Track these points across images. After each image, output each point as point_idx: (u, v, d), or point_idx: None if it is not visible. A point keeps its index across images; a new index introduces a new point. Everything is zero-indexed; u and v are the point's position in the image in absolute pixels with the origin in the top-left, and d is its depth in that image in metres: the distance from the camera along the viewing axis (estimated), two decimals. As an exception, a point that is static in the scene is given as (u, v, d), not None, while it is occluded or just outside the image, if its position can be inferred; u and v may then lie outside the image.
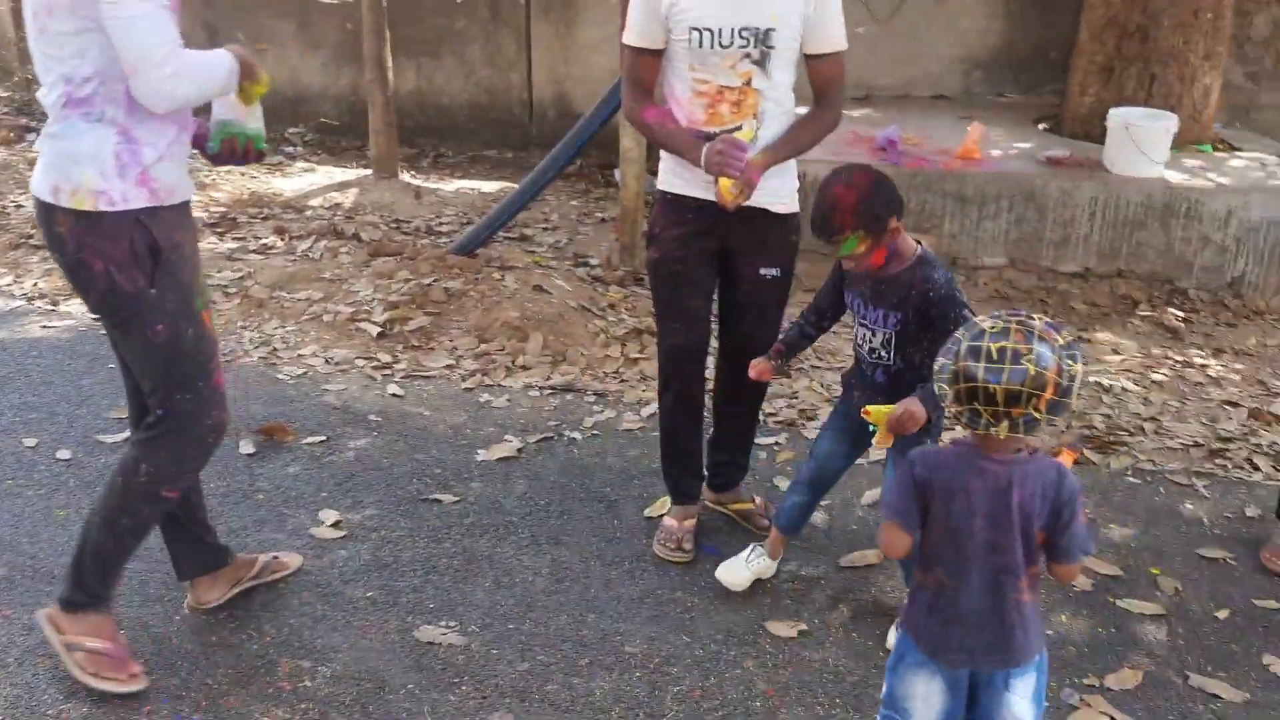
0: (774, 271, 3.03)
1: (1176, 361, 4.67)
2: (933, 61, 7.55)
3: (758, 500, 3.37)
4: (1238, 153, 6.06)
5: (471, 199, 6.75)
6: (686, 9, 2.81)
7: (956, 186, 5.51)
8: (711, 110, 2.87)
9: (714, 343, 3.24)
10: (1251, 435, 4.02)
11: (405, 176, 7.14)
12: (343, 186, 6.90)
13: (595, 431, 3.90)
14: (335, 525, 3.28)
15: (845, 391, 2.89)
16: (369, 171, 7.02)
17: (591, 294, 5.08)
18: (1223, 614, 2.99)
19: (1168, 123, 5.47)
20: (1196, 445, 3.92)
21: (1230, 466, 3.79)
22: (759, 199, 2.88)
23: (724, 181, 2.79)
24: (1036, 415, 1.82)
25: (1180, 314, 5.15)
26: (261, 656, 2.72)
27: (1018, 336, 1.82)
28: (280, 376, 4.28)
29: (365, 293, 4.94)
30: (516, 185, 5.56)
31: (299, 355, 4.47)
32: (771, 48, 2.83)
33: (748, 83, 2.85)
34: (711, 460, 3.37)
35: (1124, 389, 4.35)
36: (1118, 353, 4.74)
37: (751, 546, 3.05)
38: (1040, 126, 6.57)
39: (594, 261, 5.59)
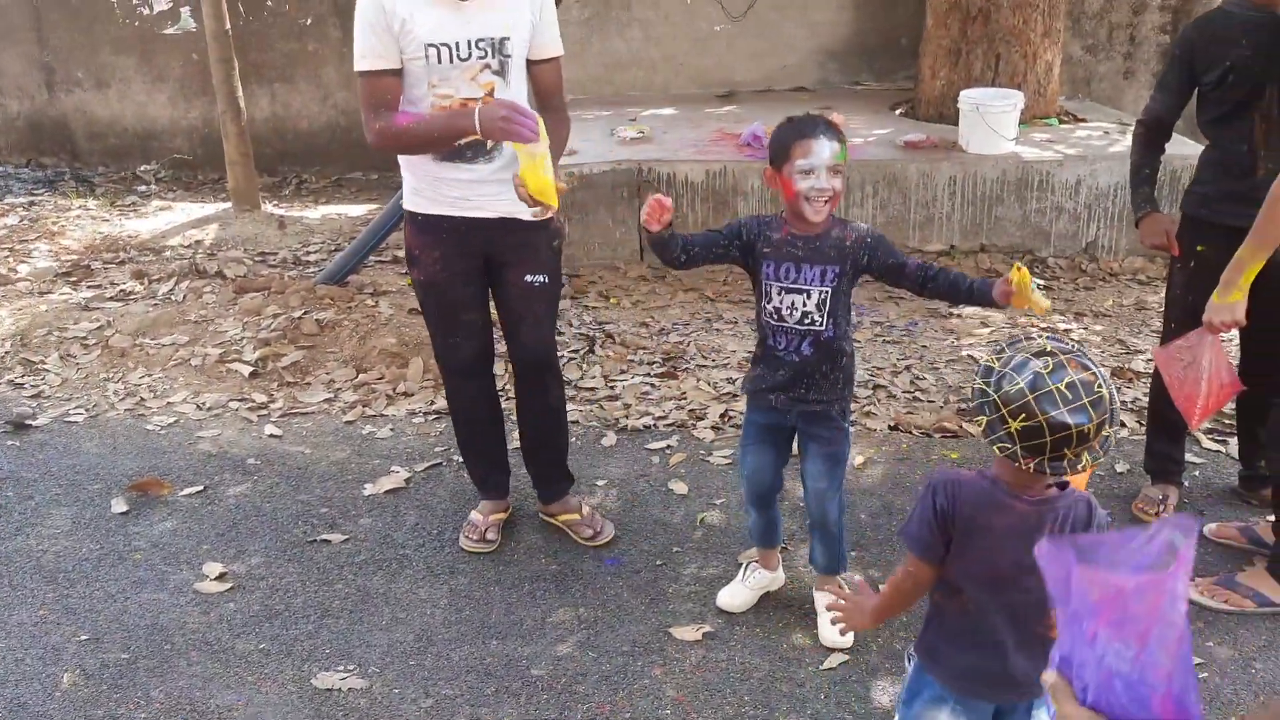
0: (541, 278, 3.06)
1: (1041, 328, 4.84)
2: (790, 54, 7.68)
3: (585, 510, 3.35)
4: (1082, 123, 6.32)
5: (339, 225, 6.61)
6: (419, 25, 2.78)
7: (821, 176, 5.61)
8: None
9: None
10: (1116, 393, 4.18)
11: (268, 207, 6.94)
12: (202, 223, 6.68)
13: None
14: (220, 578, 3.16)
15: (755, 400, 2.78)
16: (229, 205, 6.82)
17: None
18: (1105, 571, 3.10)
19: (1015, 100, 5.67)
20: (1067, 409, 4.06)
21: (1100, 427, 3.94)
22: (504, 210, 2.92)
23: (527, 176, 2.67)
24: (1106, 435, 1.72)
25: (1041, 282, 5.34)
26: (151, 725, 2.61)
27: (1075, 367, 1.69)
28: (150, 428, 4.11)
29: (234, 332, 4.78)
30: (384, 207, 5.45)
31: (168, 403, 4.30)
32: (509, 56, 2.86)
33: (490, 93, 2.86)
34: (531, 473, 3.39)
35: (996, 361, 4.48)
36: (986, 325, 4.89)
37: (745, 564, 3.04)
38: (896, 112, 6.75)
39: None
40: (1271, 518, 3.00)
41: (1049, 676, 1.15)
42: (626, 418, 4.06)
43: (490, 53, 2.84)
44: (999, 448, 1.72)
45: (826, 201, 2.52)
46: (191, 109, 8.02)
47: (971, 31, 6.23)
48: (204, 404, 4.28)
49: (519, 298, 3.07)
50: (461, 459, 3.46)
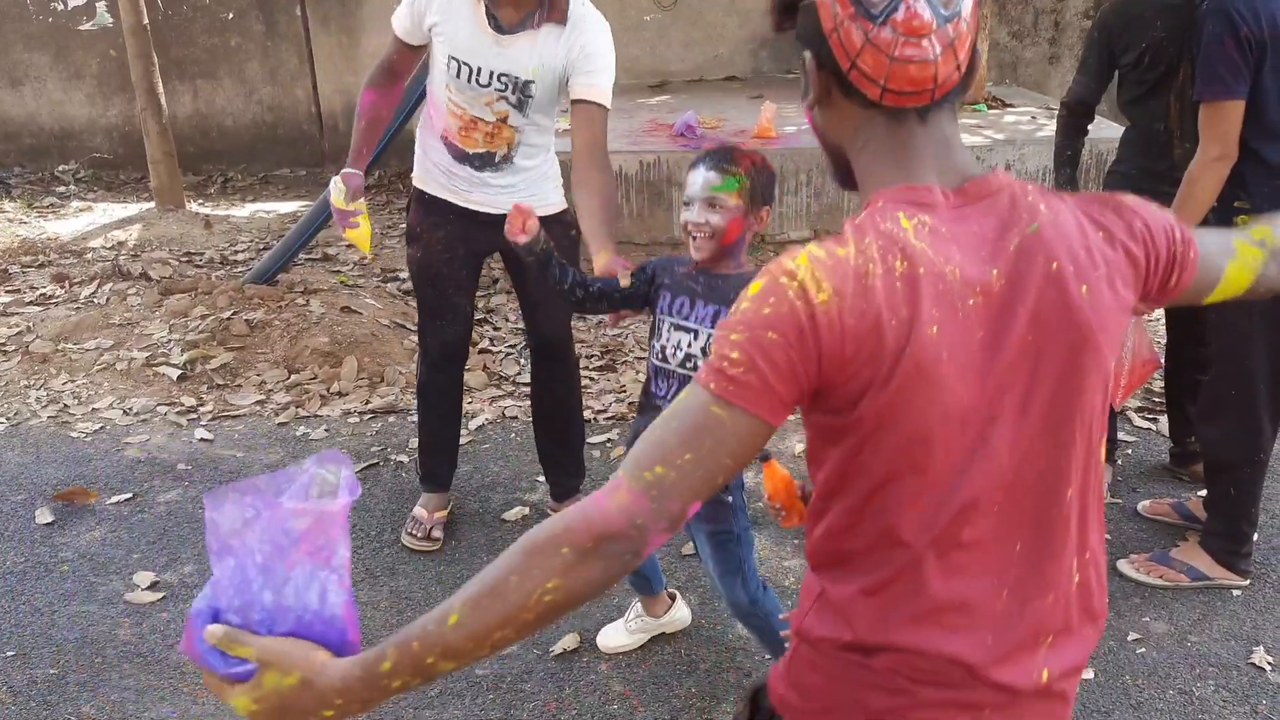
0: None
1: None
2: (721, 44, 7.69)
3: None
4: (1009, 109, 6.41)
5: (267, 223, 6.48)
6: (448, 36, 2.75)
7: (755, 165, 5.62)
8: (465, 134, 2.87)
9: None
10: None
11: (193, 206, 6.79)
12: (124, 223, 6.50)
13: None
14: (152, 587, 3.08)
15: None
16: (152, 204, 6.65)
17: (404, 309, 4.94)
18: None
19: (943, 86, 5.72)
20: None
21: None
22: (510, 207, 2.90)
23: (350, 233, 3.02)
24: None
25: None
26: (83, 742, 2.53)
27: None
28: (74, 435, 3.99)
29: (160, 334, 4.66)
30: (313, 204, 5.35)
31: (94, 410, 4.18)
32: (530, 97, 2.81)
33: (503, 120, 2.84)
34: (544, 463, 3.37)
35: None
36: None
37: (633, 603, 2.84)
38: (827, 99, 6.78)
39: (403, 275, 5.44)
40: (1203, 493, 3.06)
41: (215, 629, 1.03)
42: (566, 412, 4.03)
43: (510, 89, 2.78)
44: None
45: (708, 237, 2.21)
46: (111, 107, 7.80)
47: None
48: (131, 409, 4.17)
49: (536, 283, 3.02)
50: (413, 454, 3.45)
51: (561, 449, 3.32)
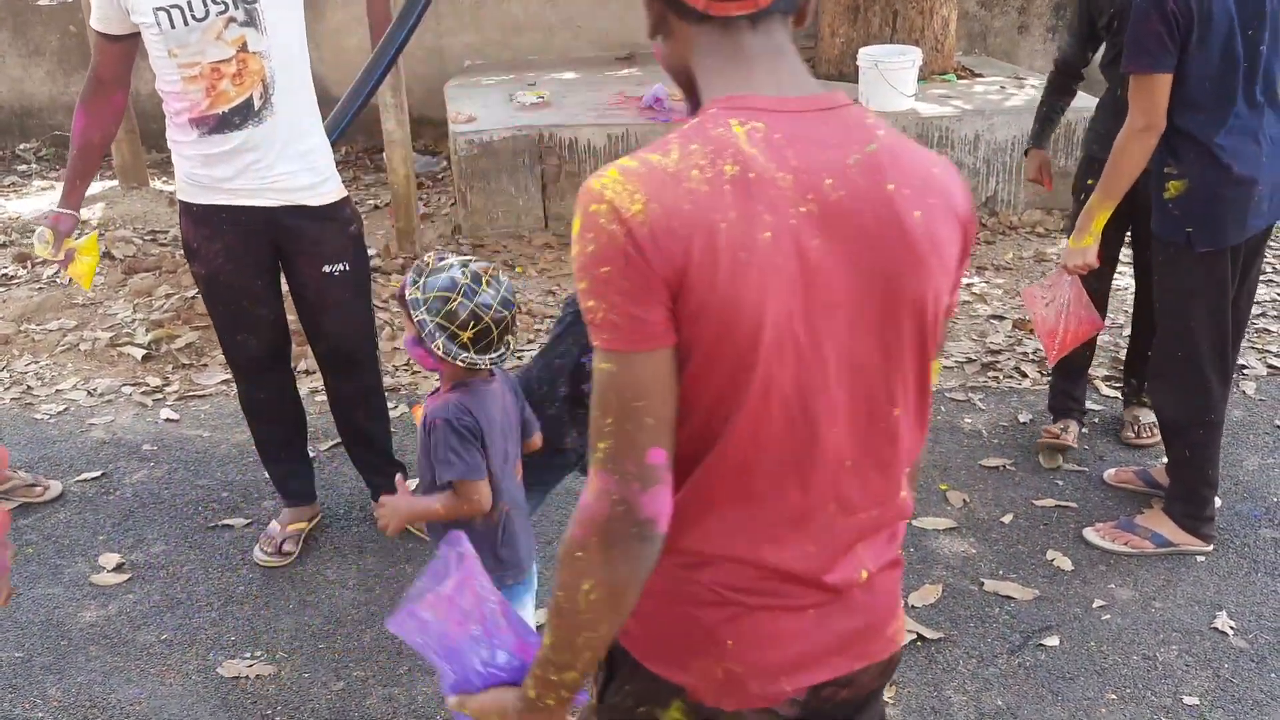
0: (340, 267, 2.83)
1: (945, 283, 4.91)
2: (689, 15, 7.63)
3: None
4: (979, 78, 6.39)
5: (234, 200, 6.40)
6: None
7: (724, 137, 5.59)
8: (214, 92, 2.59)
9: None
10: (1017, 345, 4.27)
11: (156, 184, 6.70)
12: (87, 202, 6.30)
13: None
14: (118, 569, 3.06)
15: None
16: (115, 183, 6.56)
17: (373, 286, 4.89)
18: (1007, 518, 3.17)
19: (913, 57, 5.71)
20: (970, 361, 4.14)
21: (1001, 377, 4.02)
22: (287, 198, 2.71)
23: (71, 270, 2.84)
24: None
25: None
26: (48, 725, 2.51)
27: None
28: (38, 416, 3.94)
29: (124, 314, 4.60)
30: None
31: (57, 391, 4.13)
32: (254, 2, 2.55)
33: (243, 48, 2.56)
34: (359, 468, 3.21)
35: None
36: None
37: None
38: (797, 70, 6.74)
39: (371, 251, 5.39)
40: (1166, 460, 3.09)
41: (452, 702, 1.29)
42: (536, 387, 4.01)
43: (231, 4, 2.52)
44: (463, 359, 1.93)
45: None
46: (71, 84, 7.66)
47: (869, -12, 6.25)
48: (95, 390, 4.12)
49: (317, 290, 2.85)
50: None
51: (380, 443, 3.16)
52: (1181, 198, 2.71)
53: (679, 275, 1.03)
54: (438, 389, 2.08)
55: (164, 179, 6.96)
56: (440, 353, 1.93)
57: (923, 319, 1.14)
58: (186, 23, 2.51)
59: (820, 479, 1.15)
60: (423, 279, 1.94)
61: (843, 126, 1.12)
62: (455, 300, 1.91)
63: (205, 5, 2.50)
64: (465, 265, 1.95)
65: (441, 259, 1.98)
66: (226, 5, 2.53)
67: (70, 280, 2.68)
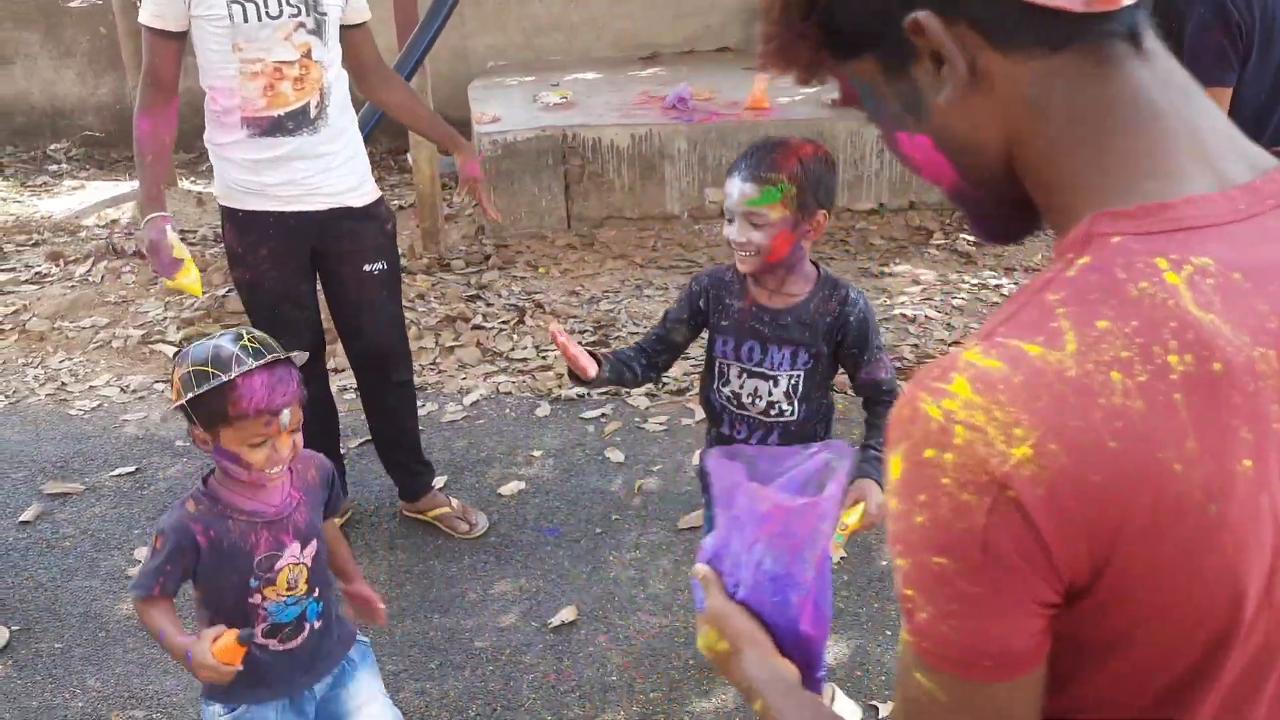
0: (380, 265, 2.91)
1: (973, 284, 4.92)
2: (713, 14, 7.66)
3: (455, 503, 3.24)
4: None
5: (261, 200, 6.47)
6: None
7: (750, 138, 5.60)
8: (271, 91, 2.61)
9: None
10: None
11: (184, 184, 6.78)
12: (117, 201, 6.50)
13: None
14: (153, 563, 3.11)
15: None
16: (145, 182, 6.63)
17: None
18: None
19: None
20: (995, 362, 4.14)
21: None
22: (334, 200, 2.78)
23: (180, 281, 2.67)
24: None
25: (971, 239, 5.42)
26: (89, 714, 2.56)
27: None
28: (73, 413, 4.01)
29: (155, 312, 4.67)
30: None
31: (91, 387, 4.20)
32: (324, 14, 2.63)
33: (308, 54, 2.62)
34: (389, 469, 3.26)
35: (927, 317, 4.55)
36: (918, 283, 4.95)
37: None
38: (821, 71, 6.76)
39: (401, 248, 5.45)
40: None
41: (700, 569, 1.09)
42: (560, 387, 4.05)
43: (304, 9, 2.58)
44: None
45: (753, 254, 2.00)
46: (101, 85, 7.77)
47: (893, -10, 6.26)
48: (128, 386, 4.18)
49: (356, 288, 2.91)
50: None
51: (412, 442, 3.22)
52: None
53: (1096, 566, 0.63)
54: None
55: (192, 179, 7.05)
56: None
57: None
58: (260, 19, 2.55)
59: None
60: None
61: None
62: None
63: (280, 5, 2.57)
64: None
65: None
66: (300, 9, 2.59)
67: (180, 291, 2.67)
